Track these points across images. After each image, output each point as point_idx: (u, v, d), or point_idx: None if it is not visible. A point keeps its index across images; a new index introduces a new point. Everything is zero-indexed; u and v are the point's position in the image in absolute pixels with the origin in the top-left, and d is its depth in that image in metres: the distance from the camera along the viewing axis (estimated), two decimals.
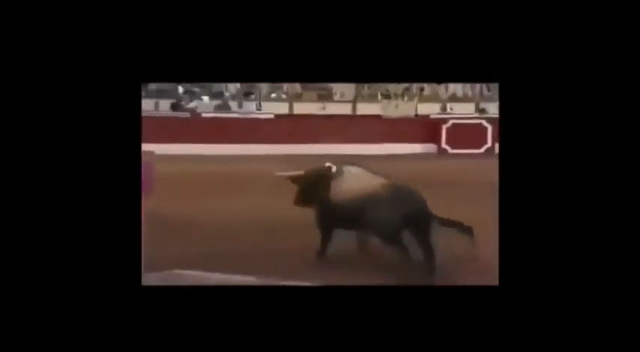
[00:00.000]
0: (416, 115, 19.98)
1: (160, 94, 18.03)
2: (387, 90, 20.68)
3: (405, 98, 21.36)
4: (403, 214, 7.40)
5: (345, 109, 19.67)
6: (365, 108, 19.38)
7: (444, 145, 19.97)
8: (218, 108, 17.81)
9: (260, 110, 18.16)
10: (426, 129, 19.95)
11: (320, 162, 8.23)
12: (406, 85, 20.92)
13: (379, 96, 20.48)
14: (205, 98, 18.14)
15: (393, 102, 20.32)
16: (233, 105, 18.28)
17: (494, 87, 21.57)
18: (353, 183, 7.78)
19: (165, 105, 17.75)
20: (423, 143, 19.84)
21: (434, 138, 19.95)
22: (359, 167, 7.99)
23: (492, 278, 5.51)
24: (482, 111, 20.68)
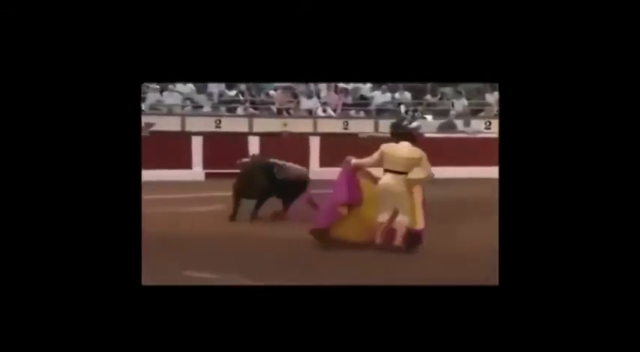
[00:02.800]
0: None
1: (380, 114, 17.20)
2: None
3: None
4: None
5: None
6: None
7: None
8: (442, 127, 16.81)
9: (489, 129, 17.08)
10: None
11: None
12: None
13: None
14: (429, 117, 17.23)
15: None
16: (459, 124, 17.35)
17: None
18: None
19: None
20: None
21: None
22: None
23: (492, 278, 5.51)
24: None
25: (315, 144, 15.12)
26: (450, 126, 17.11)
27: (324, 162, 14.71)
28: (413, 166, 7.83)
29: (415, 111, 17.15)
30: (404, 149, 7.86)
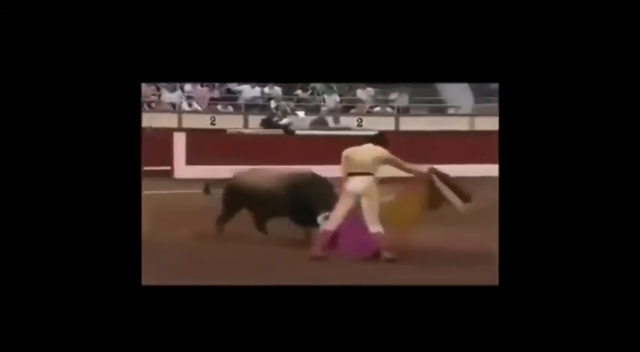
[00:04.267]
0: None
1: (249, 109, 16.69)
2: None
3: None
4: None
5: (461, 124, 18.10)
6: (485, 123, 17.71)
7: None
8: (314, 124, 16.56)
9: (361, 126, 16.73)
10: None
11: None
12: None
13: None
14: (301, 113, 16.80)
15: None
16: (330, 120, 16.92)
17: None
18: None
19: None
20: None
21: None
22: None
23: (492, 278, 5.51)
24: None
25: (180, 140, 14.65)
26: (321, 123, 16.73)
27: (190, 160, 14.26)
28: (376, 166, 7.81)
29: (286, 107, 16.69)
30: (363, 150, 7.88)
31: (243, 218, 8.76)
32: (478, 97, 18.57)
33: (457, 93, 18.32)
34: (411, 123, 17.32)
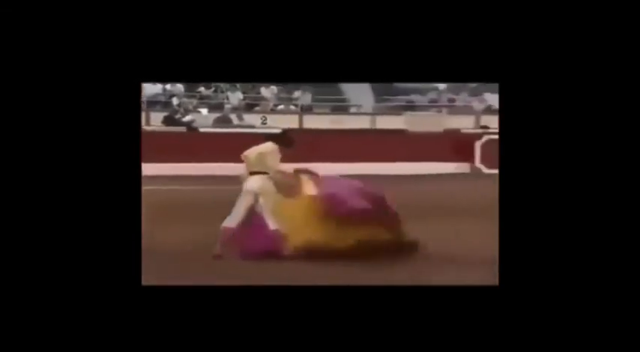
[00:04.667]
0: (444, 130, 17.92)
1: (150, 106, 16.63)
2: (412, 102, 19.24)
3: (432, 110, 19.32)
4: None
5: (363, 123, 18.31)
6: (386, 122, 17.85)
7: (477, 164, 17.97)
8: (217, 122, 16.56)
9: (265, 124, 16.81)
10: (456, 146, 17.83)
11: None
12: (433, 95, 19.40)
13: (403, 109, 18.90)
14: (204, 111, 16.84)
15: (419, 115, 18.65)
16: (234, 118, 16.98)
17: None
18: None
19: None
20: (453, 162, 17.74)
21: (466, 156, 17.89)
22: None
23: (492, 278, 5.51)
24: (484, 127, 18.81)
25: None
26: (225, 121, 16.73)
27: None
28: (272, 164, 8.03)
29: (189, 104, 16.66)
30: (260, 149, 8.09)
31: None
32: (378, 97, 18.91)
33: (358, 93, 18.72)
34: (315, 122, 17.50)
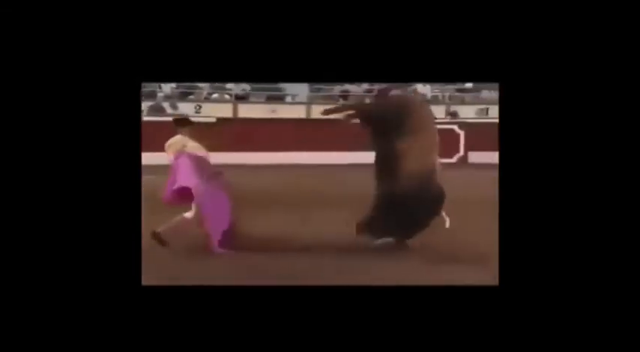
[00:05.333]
0: None
1: None
2: (347, 91, 19.57)
3: (367, 100, 19.90)
4: None
5: (298, 112, 18.58)
6: (318, 112, 18.05)
7: None
8: (151, 111, 16.56)
9: (199, 113, 16.78)
10: None
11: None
12: (367, 85, 19.68)
13: (338, 98, 19.25)
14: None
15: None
16: (167, 107, 16.93)
17: (467, 87, 20.28)
18: None
19: None
20: None
21: None
22: None
23: (492, 278, 5.51)
24: (453, 115, 19.65)
25: None
26: (158, 109, 16.72)
27: None
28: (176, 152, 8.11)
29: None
30: (172, 140, 8.20)
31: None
32: (313, 87, 19.05)
33: (293, 82, 18.96)
34: (250, 111, 17.51)
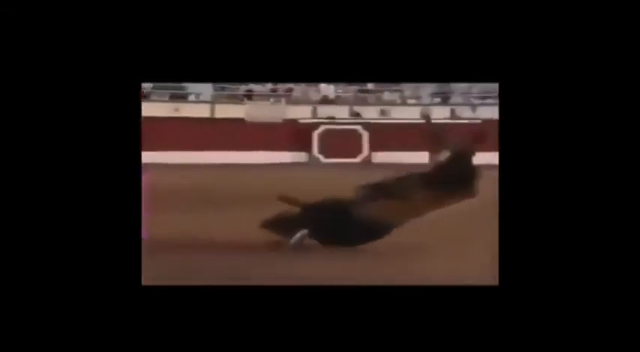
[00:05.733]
0: (283, 120, 18.57)
1: None
2: (251, 91, 19.61)
3: (272, 100, 19.57)
4: None
5: (202, 111, 18.48)
6: (225, 111, 18.07)
7: (315, 154, 18.47)
8: None
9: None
10: (295, 135, 18.40)
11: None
12: (271, 85, 19.74)
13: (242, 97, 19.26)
14: None
15: (259, 105, 19.11)
16: None
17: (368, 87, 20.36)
18: None
19: None
20: (291, 151, 18.30)
21: (304, 145, 18.50)
22: None
23: (492, 278, 5.51)
24: (357, 115, 19.81)
25: None
26: None
27: None
28: None
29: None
30: None
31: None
32: (216, 85, 19.07)
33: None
34: (153, 109, 17.32)
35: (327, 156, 17.93)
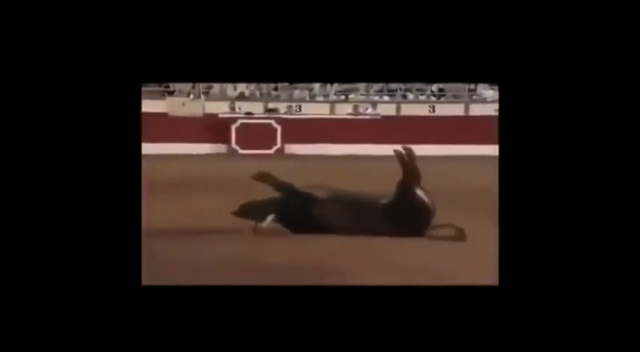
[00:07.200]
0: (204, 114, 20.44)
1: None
2: (173, 88, 20.66)
3: (192, 96, 21.10)
4: None
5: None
6: (150, 106, 18.89)
7: (233, 146, 20.30)
8: None
9: None
10: (214, 128, 20.15)
11: None
12: (191, 83, 20.89)
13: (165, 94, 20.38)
14: None
15: (180, 100, 20.68)
16: None
17: (283, 86, 22.28)
18: None
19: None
20: (212, 143, 20.16)
21: (223, 138, 20.14)
22: None
23: (492, 278, 5.51)
24: (271, 111, 21.69)
25: None
26: None
27: None
28: None
29: None
30: None
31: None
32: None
33: None
34: None
35: (243, 148, 19.85)
